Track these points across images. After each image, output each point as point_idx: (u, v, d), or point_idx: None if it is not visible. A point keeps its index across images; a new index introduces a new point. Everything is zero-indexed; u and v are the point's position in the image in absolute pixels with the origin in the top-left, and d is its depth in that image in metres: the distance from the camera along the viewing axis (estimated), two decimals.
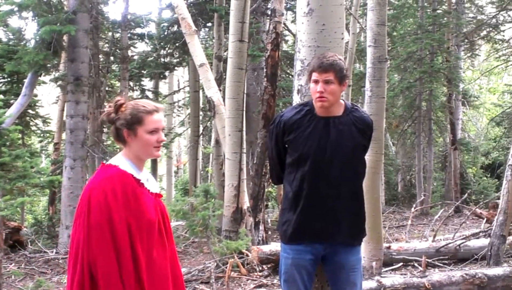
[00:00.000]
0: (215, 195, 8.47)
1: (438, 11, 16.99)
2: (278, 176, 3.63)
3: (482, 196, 17.19)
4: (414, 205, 12.75)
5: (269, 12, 10.63)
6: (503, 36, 19.02)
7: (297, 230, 3.39)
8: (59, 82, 13.22)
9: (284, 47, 16.64)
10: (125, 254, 2.59)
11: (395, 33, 16.46)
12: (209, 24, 15.15)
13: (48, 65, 11.58)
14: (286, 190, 3.51)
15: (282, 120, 3.45)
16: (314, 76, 3.30)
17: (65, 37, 11.14)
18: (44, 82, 14.02)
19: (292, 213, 3.42)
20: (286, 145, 3.48)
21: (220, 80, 11.88)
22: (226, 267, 7.27)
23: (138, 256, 2.63)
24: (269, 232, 10.72)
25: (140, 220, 2.66)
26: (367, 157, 5.43)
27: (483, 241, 8.35)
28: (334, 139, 3.35)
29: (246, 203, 8.65)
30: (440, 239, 9.11)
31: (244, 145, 8.73)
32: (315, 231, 3.38)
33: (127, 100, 2.83)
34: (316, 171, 3.35)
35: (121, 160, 2.78)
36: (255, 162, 9.28)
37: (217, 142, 12.04)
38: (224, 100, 8.96)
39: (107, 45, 15.04)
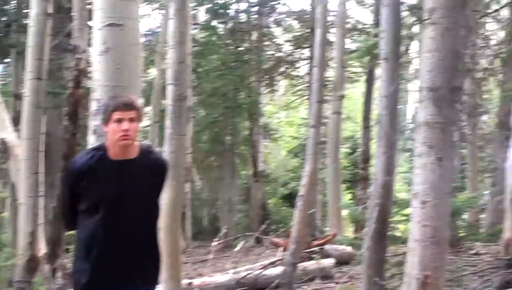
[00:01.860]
0: (8, 244, 7.87)
1: (241, 48, 17.76)
2: (71, 222, 3.46)
3: (282, 225, 18.04)
4: (216, 238, 12.94)
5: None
6: (299, 72, 20.39)
7: (91, 280, 3.26)
8: None
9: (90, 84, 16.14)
10: None
11: (200, 69, 16.84)
12: (9, 60, 14.30)
13: None
14: (78, 237, 3.36)
15: (74, 167, 3.33)
16: (117, 115, 3.19)
17: None
18: None
19: (85, 261, 3.28)
20: (80, 192, 3.34)
21: (18, 120, 11.23)
22: None
23: None
24: None
25: None
26: (166, 195, 5.46)
27: (280, 269, 8.75)
28: (128, 183, 3.29)
29: (42, 250, 8.12)
30: (242, 271, 9.37)
31: (43, 188, 8.25)
32: (110, 280, 3.28)
33: None
34: (109, 217, 3.26)
35: None
36: (54, 205, 8.80)
37: (13, 186, 11.25)
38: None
39: None
